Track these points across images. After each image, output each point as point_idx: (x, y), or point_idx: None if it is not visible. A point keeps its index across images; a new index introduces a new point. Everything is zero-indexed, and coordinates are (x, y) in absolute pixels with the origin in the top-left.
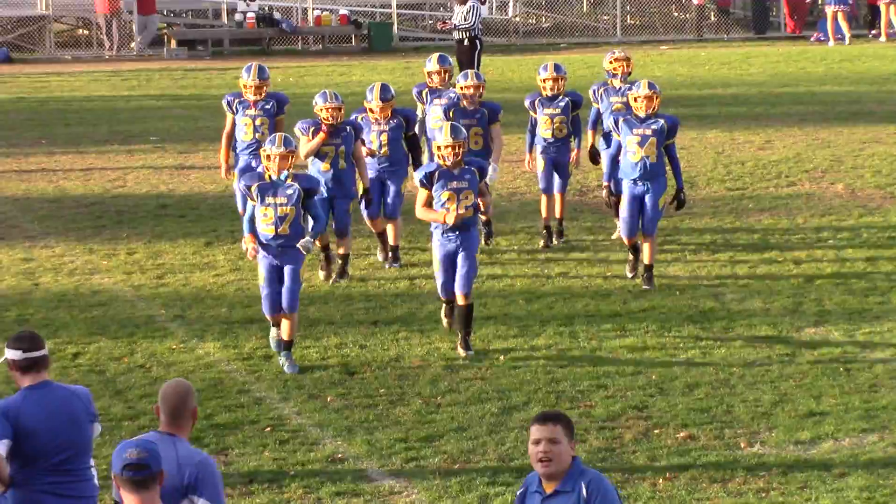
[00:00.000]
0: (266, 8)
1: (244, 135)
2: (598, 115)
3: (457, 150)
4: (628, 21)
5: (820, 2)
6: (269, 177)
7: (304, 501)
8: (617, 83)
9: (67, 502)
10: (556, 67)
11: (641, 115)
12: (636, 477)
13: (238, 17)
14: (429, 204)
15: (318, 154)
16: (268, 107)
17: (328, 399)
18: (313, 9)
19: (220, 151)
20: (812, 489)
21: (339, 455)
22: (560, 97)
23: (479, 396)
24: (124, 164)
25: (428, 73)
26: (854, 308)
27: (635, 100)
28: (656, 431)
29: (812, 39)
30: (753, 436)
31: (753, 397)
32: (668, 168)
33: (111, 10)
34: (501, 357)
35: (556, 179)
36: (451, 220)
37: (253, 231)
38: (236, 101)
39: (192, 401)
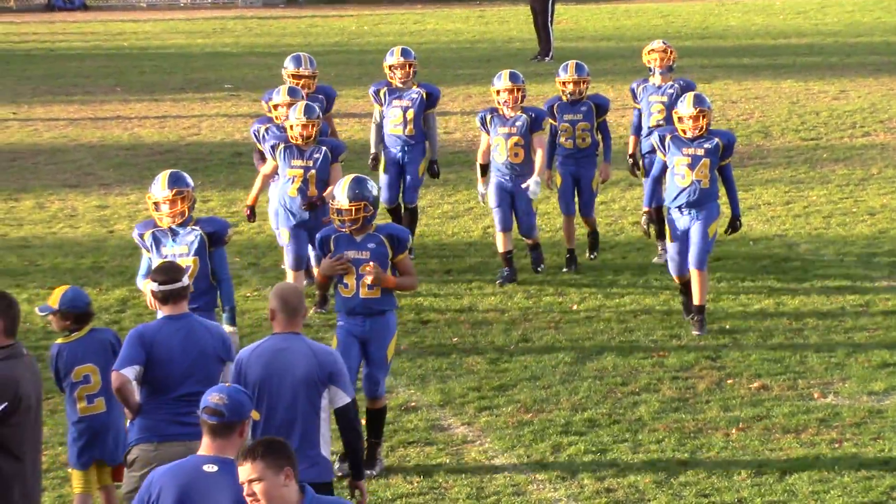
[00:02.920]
0: None
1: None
2: (641, 118)
3: (355, 215)
4: None
5: None
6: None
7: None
8: (657, 79)
9: (189, 430)
10: (578, 68)
11: (689, 135)
12: (709, 427)
13: None
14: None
15: (286, 175)
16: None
17: (401, 348)
18: None
19: (252, 191)
20: (885, 440)
21: (412, 404)
22: (582, 101)
23: (552, 346)
24: (199, 111)
25: (389, 66)
26: None
27: (680, 119)
28: (730, 381)
29: None
30: (827, 386)
31: (827, 348)
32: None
33: None
34: (575, 306)
35: (578, 202)
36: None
37: None
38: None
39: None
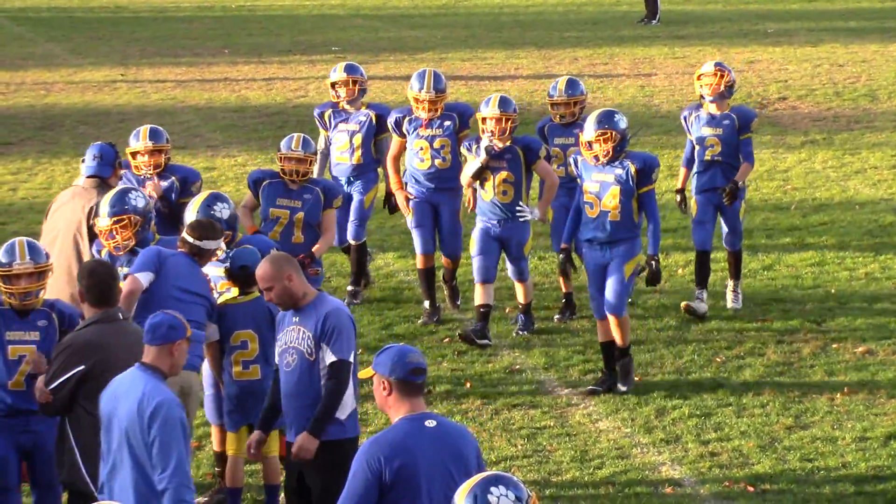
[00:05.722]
0: None
1: (419, 162)
2: (693, 150)
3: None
4: None
5: None
6: None
7: (480, 412)
8: (710, 108)
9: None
10: (570, 85)
11: (602, 160)
12: (814, 391)
13: None
14: None
15: (269, 217)
16: (447, 124)
17: (506, 311)
18: None
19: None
20: None
21: (517, 367)
22: (576, 123)
23: (657, 310)
24: (306, 74)
25: (332, 83)
26: None
27: (587, 145)
28: (834, 346)
29: None
30: None
31: None
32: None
33: None
34: (680, 270)
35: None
36: None
37: None
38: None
39: None
